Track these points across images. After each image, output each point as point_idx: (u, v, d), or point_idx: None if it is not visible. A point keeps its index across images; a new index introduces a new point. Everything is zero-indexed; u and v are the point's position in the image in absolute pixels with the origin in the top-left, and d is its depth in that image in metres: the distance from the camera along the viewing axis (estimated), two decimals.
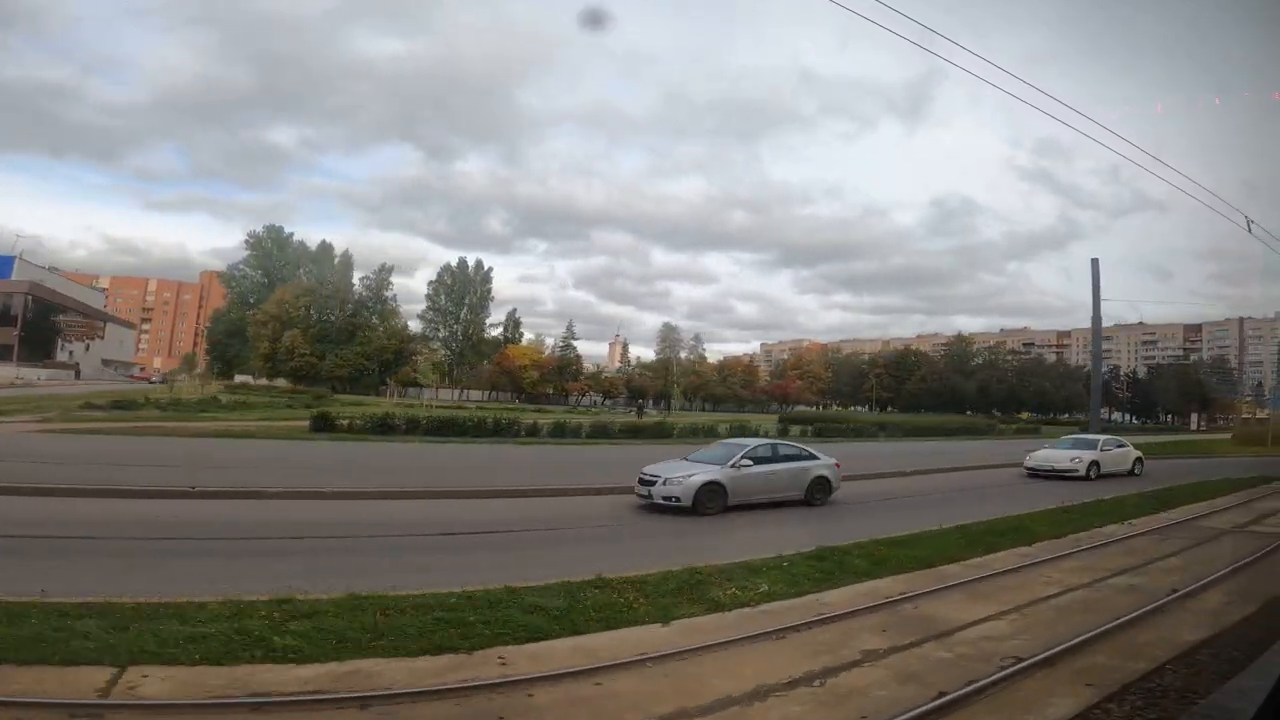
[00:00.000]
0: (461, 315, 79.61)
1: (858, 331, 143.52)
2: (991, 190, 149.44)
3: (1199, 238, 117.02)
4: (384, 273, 79.11)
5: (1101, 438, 21.72)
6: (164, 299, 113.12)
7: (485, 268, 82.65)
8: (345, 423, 24.33)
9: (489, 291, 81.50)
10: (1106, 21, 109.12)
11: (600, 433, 27.25)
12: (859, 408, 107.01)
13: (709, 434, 28.03)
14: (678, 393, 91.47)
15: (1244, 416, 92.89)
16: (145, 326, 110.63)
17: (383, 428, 23.80)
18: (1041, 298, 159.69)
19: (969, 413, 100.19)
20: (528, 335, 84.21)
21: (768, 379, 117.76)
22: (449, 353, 78.63)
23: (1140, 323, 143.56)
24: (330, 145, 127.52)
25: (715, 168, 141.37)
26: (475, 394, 77.43)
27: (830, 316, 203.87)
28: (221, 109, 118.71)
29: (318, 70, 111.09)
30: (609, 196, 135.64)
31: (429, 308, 78.73)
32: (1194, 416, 77.25)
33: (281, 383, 68.59)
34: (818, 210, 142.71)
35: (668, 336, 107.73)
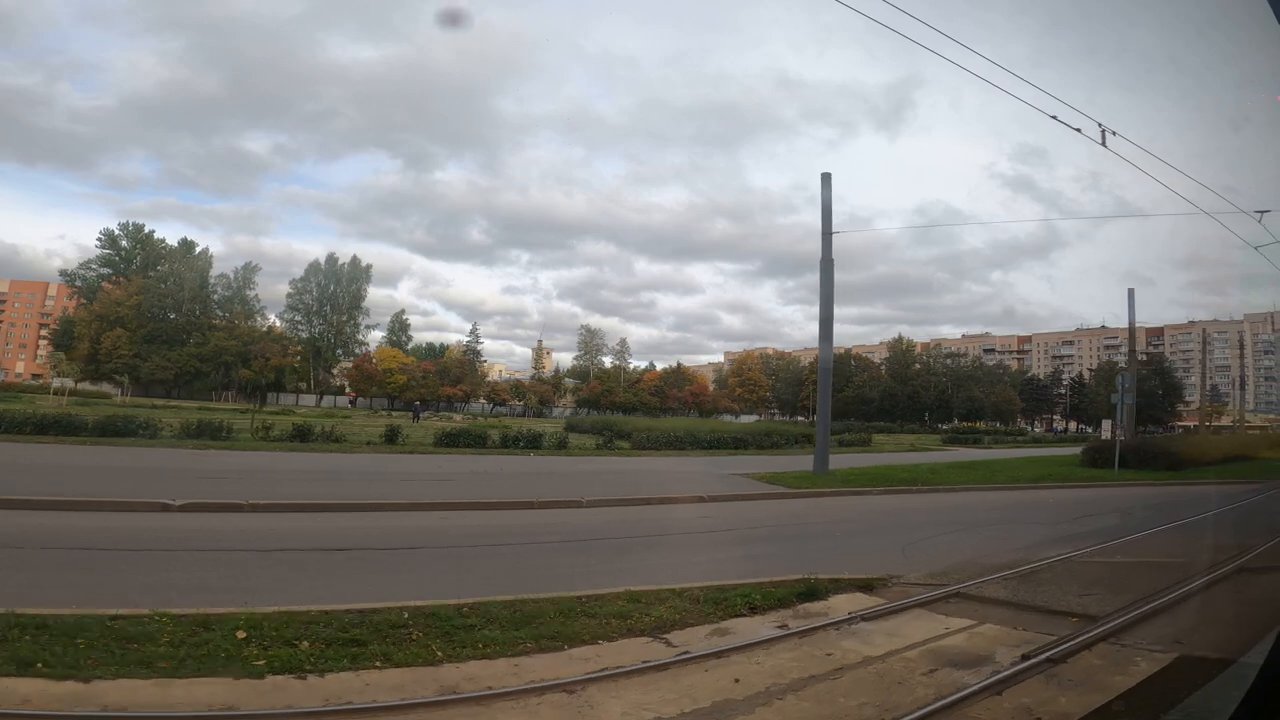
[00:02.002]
0: (328, 315, 71.66)
1: (840, 343, 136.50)
2: (974, 199, 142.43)
3: (1179, 245, 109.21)
4: (248, 271, 71.68)
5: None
6: (64, 303, 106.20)
7: (363, 265, 74.92)
8: None
9: (361, 290, 73.66)
10: (1090, 29, 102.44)
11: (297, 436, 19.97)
12: (800, 417, 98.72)
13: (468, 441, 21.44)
14: (569, 400, 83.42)
15: (1196, 424, 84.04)
16: (44, 332, 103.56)
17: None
18: (1026, 306, 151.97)
19: (898, 420, 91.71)
20: (491, 345, 76.09)
21: (714, 388, 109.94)
22: (314, 356, 70.63)
23: (1103, 326, 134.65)
24: (305, 153, 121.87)
25: (696, 176, 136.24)
26: (342, 400, 69.68)
27: (815, 327, 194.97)
28: (191, 115, 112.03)
29: (289, 76, 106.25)
30: (590, 205, 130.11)
31: (289, 307, 70.93)
32: (1107, 424, 67.94)
33: (106, 387, 61.05)
34: (800, 219, 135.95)
35: (588, 341, 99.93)
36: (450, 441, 21.24)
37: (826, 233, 18.27)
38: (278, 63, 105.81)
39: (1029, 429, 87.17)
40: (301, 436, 19.63)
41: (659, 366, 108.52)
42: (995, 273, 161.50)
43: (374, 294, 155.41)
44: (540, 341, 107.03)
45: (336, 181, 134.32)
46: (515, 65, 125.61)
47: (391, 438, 21.05)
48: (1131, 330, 34.96)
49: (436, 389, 70.69)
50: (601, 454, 22.56)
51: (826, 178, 18.78)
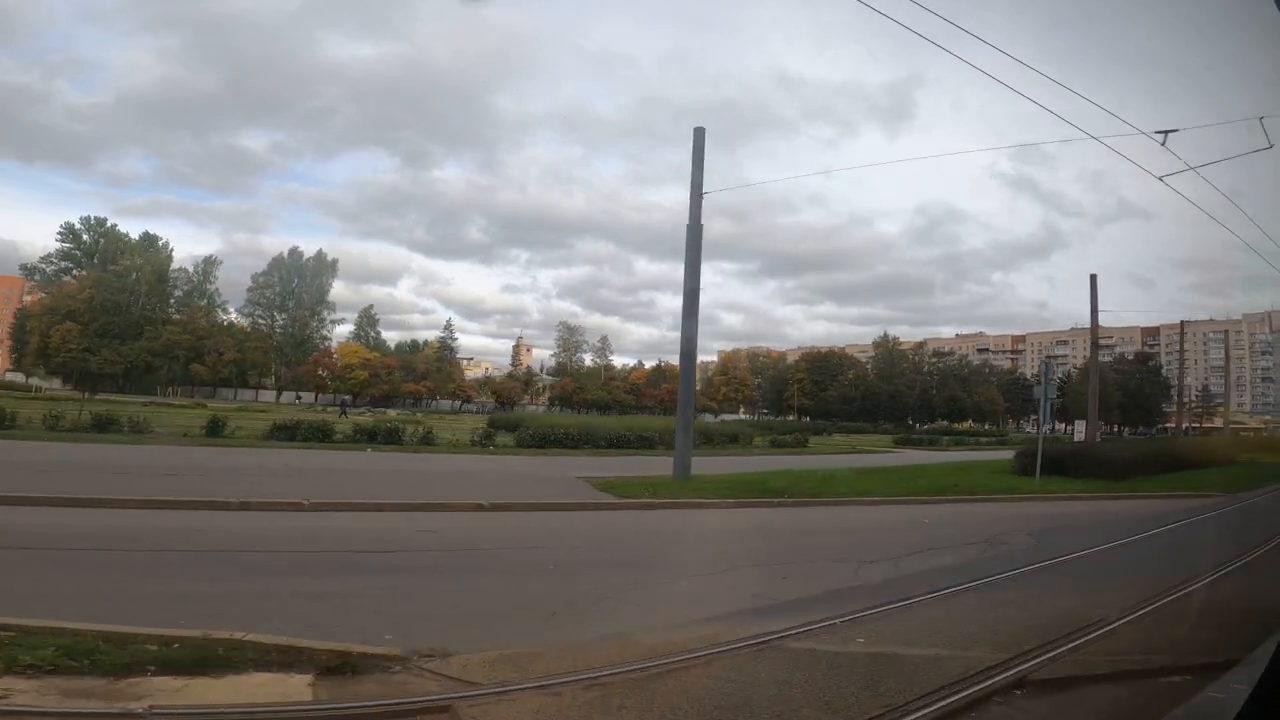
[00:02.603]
0: (291, 310, 69.60)
1: (839, 342, 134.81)
2: (975, 198, 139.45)
3: (1182, 246, 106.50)
4: (209, 265, 69.80)
5: None
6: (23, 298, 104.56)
7: (329, 259, 72.87)
8: None
9: (327, 284, 71.64)
10: (1093, 29, 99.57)
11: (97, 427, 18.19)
12: (792, 417, 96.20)
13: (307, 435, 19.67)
14: (542, 397, 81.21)
15: (1173, 426, 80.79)
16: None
17: None
18: (1025, 307, 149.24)
19: (880, 421, 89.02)
20: (490, 343, 73.93)
21: (701, 386, 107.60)
22: (276, 351, 68.61)
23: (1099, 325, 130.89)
24: (303, 151, 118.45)
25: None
26: (305, 395, 67.59)
27: (816, 327, 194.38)
28: (189, 113, 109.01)
29: (287, 74, 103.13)
30: (589, 204, 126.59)
31: (250, 301, 68.91)
32: (1078, 425, 64.14)
33: (58, 382, 59.25)
34: (800, 219, 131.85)
35: (567, 339, 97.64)
36: (288, 435, 19.13)
37: (696, 194, 15.84)
38: (275, 60, 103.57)
39: (1012, 430, 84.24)
40: (101, 427, 17.57)
41: (662, 366, 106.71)
42: (996, 273, 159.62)
43: (374, 292, 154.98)
44: (521, 338, 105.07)
45: (335, 179, 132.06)
46: (513, 63, 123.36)
47: (214, 430, 19.03)
48: (1094, 318, 32.06)
49: (400, 385, 68.55)
50: (462, 452, 20.26)
51: (700, 132, 16.33)
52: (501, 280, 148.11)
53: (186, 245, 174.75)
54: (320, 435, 19.66)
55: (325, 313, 72.22)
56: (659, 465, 16.79)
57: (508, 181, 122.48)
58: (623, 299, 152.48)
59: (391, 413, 44.91)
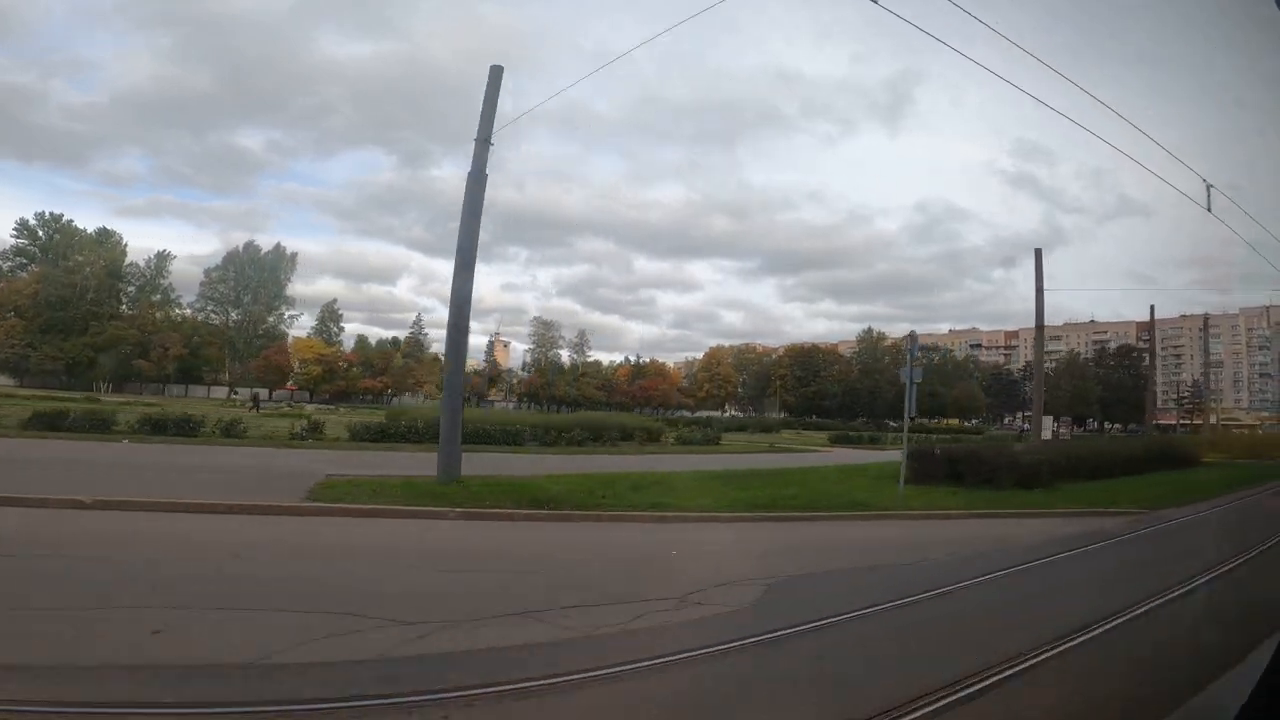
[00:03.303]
0: (245, 304, 67.44)
1: (837, 340, 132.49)
2: (975, 195, 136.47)
3: (1182, 243, 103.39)
4: (162, 260, 67.75)
5: None
6: None
7: (289, 253, 70.64)
8: None
9: (285, 279, 69.43)
10: (1094, 26, 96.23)
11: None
12: (781, 414, 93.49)
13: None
14: (503, 393, 78.78)
15: (1172, 422, 77.17)
16: None
17: None
18: (1025, 304, 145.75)
19: (860, 417, 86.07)
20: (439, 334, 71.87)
21: (687, 383, 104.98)
22: (230, 347, 66.51)
23: (1091, 320, 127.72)
24: (300, 150, 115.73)
25: (694, 172, 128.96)
26: (257, 389, 65.39)
27: (816, 325, 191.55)
28: (185, 112, 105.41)
29: (283, 72, 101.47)
30: (588, 203, 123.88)
31: (201, 296, 66.78)
32: (1049, 421, 60.53)
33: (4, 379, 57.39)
34: (800, 216, 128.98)
35: (543, 335, 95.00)
36: (47, 425, 17.24)
37: (483, 140, 13.18)
38: (272, 59, 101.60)
39: (994, 427, 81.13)
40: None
41: (642, 362, 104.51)
42: (997, 270, 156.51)
43: (373, 290, 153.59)
44: (499, 334, 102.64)
45: (333, 178, 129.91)
46: (511, 61, 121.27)
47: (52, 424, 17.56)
48: (1039, 295, 29.09)
49: (358, 381, 66.31)
50: (257, 445, 18.07)
51: (496, 71, 13.67)
52: (501, 279, 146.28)
53: (186, 245, 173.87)
54: (96, 426, 17.57)
55: (284, 308, 69.99)
56: (482, 464, 14.31)
57: (506, 179, 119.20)
58: (622, 297, 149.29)
59: (309, 408, 42.55)
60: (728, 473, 16.43)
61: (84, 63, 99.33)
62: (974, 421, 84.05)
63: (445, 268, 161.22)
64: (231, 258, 68.09)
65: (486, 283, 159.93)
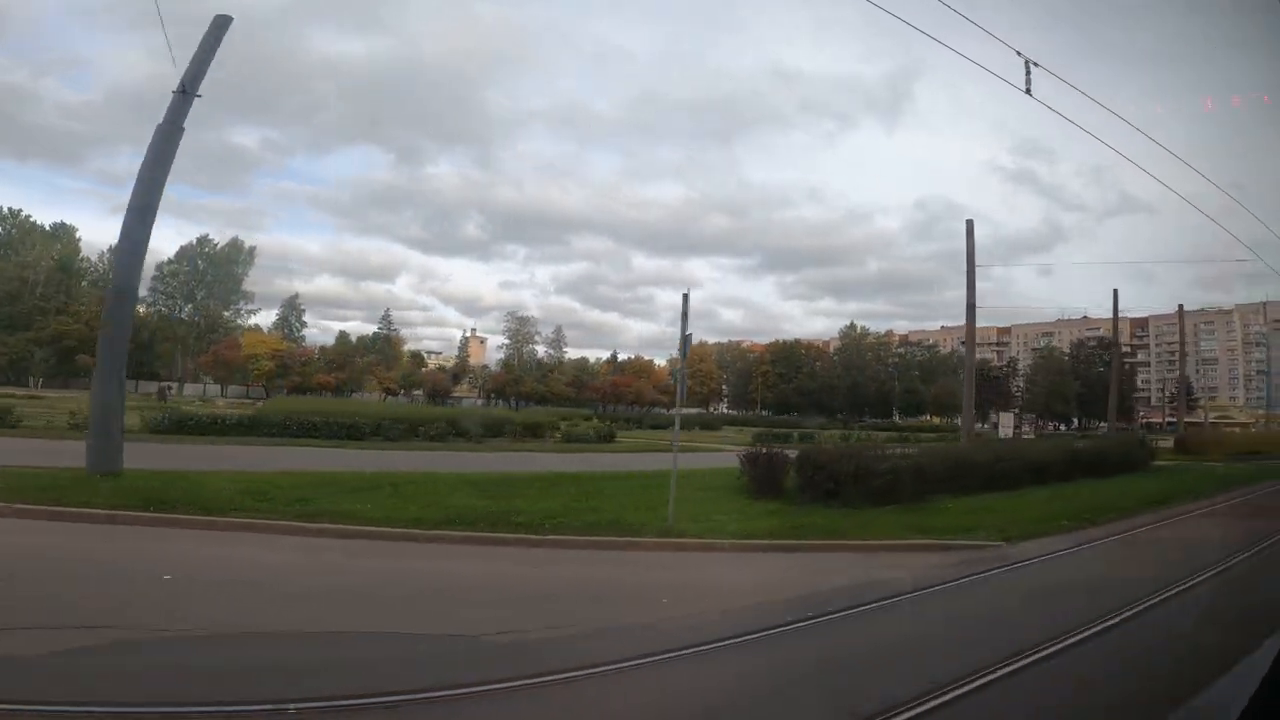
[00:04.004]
0: (199, 300, 65.78)
1: (832, 337, 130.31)
2: (975, 193, 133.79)
3: (1184, 242, 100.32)
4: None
5: None
6: None
7: (246, 247, 68.92)
8: None
9: (237, 273, 67.67)
10: (1095, 24, 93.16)
11: None
12: (765, 411, 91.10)
13: None
14: (473, 389, 76.82)
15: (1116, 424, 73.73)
16: None
17: None
18: (1027, 302, 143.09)
19: (839, 415, 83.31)
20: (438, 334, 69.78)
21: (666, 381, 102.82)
22: (180, 342, 64.89)
23: (1085, 316, 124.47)
24: (295, 147, 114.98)
25: (692, 170, 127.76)
26: (212, 388, 63.84)
27: (815, 323, 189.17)
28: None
29: (275, 70, 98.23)
30: (586, 201, 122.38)
31: (153, 290, 64.98)
32: (1003, 419, 56.77)
33: None
34: (799, 214, 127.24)
35: (517, 330, 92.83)
36: None
37: (184, 89, 11.12)
38: (264, 56, 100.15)
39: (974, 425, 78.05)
40: None
41: (619, 360, 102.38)
42: (997, 268, 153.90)
43: (371, 289, 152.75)
44: (474, 330, 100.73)
45: (329, 176, 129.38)
46: (505, 57, 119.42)
47: None
48: (971, 270, 26.36)
49: (312, 376, 64.51)
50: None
51: (223, 20, 11.70)
52: (500, 277, 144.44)
53: (181, 243, 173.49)
54: None
55: (242, 302, 68.29)
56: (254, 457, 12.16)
57: (503, 177, 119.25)
58: (621, 295, 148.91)
59: (220, 402, 40.63)
60: (511, 477, 13.91)
61: (77, 61, 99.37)
62: (953, 419, 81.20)
63: (444, 265, 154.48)
64: (185, 251, 66.44)
65: (485, 281, 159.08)
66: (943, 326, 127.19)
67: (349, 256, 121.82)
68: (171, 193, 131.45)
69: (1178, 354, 69.41)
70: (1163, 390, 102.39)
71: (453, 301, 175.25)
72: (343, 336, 77.65)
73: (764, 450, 15.17)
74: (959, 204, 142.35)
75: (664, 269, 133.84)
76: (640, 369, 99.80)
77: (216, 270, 66.70)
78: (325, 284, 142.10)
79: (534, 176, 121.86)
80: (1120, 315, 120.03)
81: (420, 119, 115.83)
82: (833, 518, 11.66)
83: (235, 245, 68.16)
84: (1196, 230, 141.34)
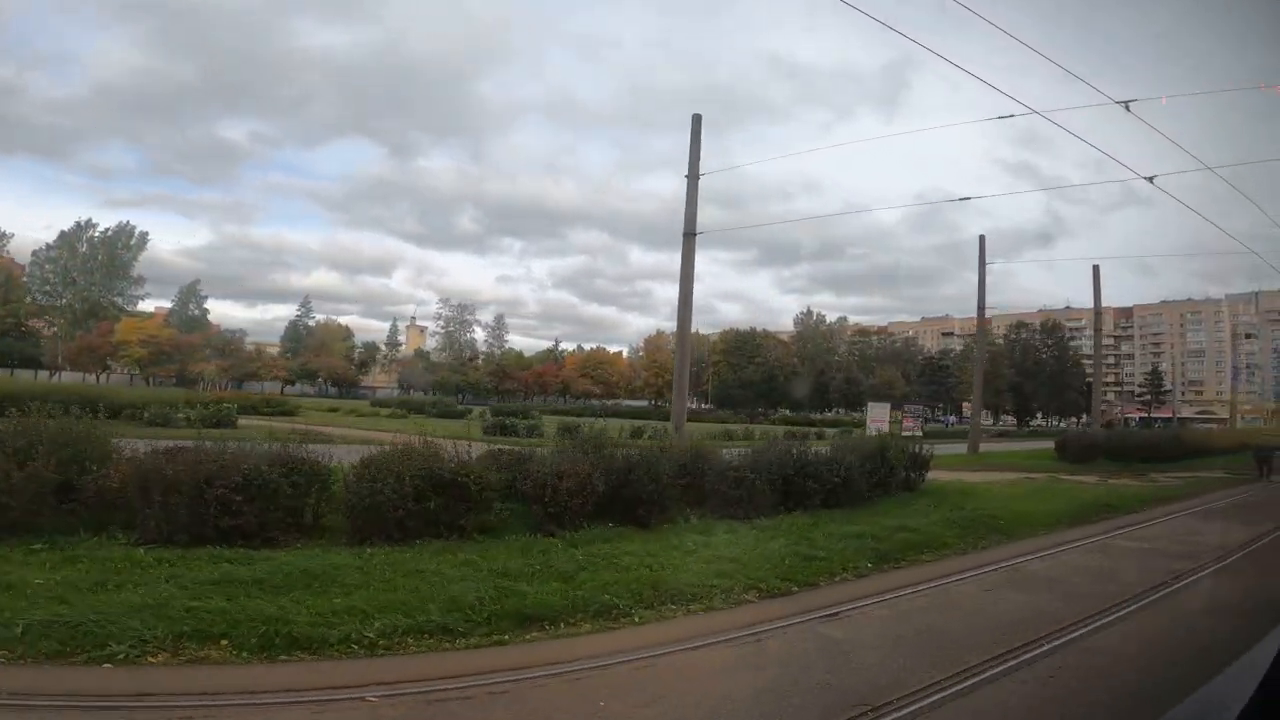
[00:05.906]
0: (79, 286, 61.15)
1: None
2: (975, 185, 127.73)
3: (1185, 235, 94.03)
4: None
5: None
6: None
7: (137, 232, 64.12)
8: None
9: (125, 258, 62.91)
10: (1093, 14, 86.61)
11: None
12: (752, 408, 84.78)
13: None
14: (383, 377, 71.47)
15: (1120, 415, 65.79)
16: None
17: None
18: (1024, 295, 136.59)
19: (780, 407, 76.68)
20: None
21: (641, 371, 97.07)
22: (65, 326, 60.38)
23: (1067, 306, 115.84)
24: (283, 140, 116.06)
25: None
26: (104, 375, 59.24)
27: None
28: (165, 103, 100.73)
29: (260, 62, 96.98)
30: (580, 193, 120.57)
31: (30, 275, 60.47)
32: (877, 411, 48.63)
33: None
34: (796, 207, 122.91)
35: (453, 318, 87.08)
36: None
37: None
38: (248, 48, 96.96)
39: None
40: None
41: (620, 352, 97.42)
42: (997, 261, 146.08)
43: (368, 283, 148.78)
44: (414, 319, 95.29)
45: (321, 170, 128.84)
46: (494, 48, 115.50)
47: None
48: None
49: (188, 363, 59.59)
50: None
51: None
52: (496, 271, 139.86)
53: (176, 237, 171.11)
54: None
55: (128, 288, 63.53)
56: None
57: (497, 170, 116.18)
58: (618, 289, 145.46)
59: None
60: None
61: (62, 56, 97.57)
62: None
63: (440, 260, 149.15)
64: (64, 237, 61.77)
65: (481, 275, 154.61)
66: (923, 318, 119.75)
67: (345, 251, 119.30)
68: (162, 188, 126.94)
69: (1144, 347, 61.88)
70: (1137, 384, 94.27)
71: (451, 296, 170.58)
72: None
73: None
74: (958, 196, 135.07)
75: (661, 262, 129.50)
76: (601, 360, 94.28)
77: (97, 255, 61.97)
78: (322, 278, 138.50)
79: (528, 169, 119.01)
80: (1104, 306, 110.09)
81: (411, 111, 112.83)
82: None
83: (122, 229, 63.42)
84: (1197, 223, 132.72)
